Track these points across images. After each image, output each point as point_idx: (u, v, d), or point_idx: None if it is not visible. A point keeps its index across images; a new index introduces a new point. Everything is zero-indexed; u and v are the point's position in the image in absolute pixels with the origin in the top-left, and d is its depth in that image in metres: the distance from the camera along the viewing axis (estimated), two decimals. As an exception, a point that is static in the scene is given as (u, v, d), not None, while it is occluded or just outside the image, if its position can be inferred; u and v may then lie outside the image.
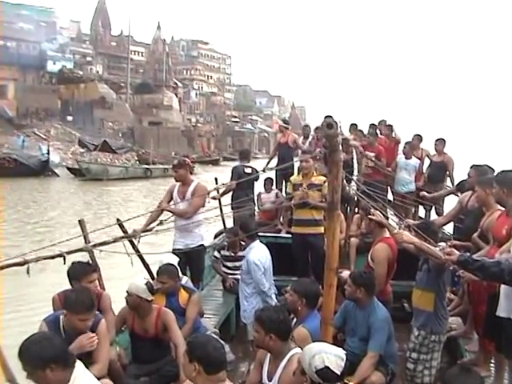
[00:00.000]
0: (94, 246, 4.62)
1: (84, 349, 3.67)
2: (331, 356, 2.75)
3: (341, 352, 2.82)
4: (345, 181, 6.70)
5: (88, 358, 3.62)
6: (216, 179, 9.09)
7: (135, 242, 5.48)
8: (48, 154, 34.83)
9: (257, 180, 9.18)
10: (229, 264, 7.16)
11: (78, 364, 2.91)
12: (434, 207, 9.45)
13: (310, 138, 10.69)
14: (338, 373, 2.73)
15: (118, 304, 4.68)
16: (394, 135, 10.75)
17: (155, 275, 5.25)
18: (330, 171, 3.23)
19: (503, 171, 4.40)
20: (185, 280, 5.54)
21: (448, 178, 9.82)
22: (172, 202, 6.39)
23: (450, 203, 7.59)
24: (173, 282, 4.96)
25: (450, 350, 5.41)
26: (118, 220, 5.46)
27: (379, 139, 10.25)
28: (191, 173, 6.74)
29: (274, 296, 5.77)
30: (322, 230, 6.46)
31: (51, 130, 49.86)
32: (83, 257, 4.70)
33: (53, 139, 46.03)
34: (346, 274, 4.64)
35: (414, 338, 4.47)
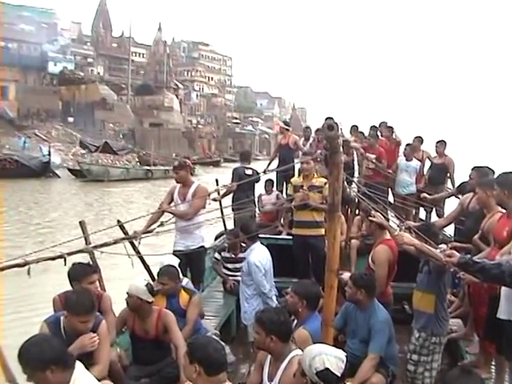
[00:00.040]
0: (95, 247, 4.62)
1: (85, 348, 3.67)
2: (331, 358, 2.75)
3: (341, 354, 2.82)
4: (345, 182, 6.70)
5: (88, 359, 3.62)
6: (217, 180, 9.09)
7: (136, 243, 5.47)
8: (49, 155, 34.85)
9: (258, 182, 9.19)
10: (229, 265, 7.16)
11: (78, 365, 2.91)
12: (434, 209, 9.45)
13: (311, 139, 10.68)
14: (339, 374, 2.73)
15: (118, 305, 4.69)
16: (394, 137, 10.76)
17: (156, 276, 5.26)
18: (330, 173, 3.23)
19: (504, 173, 4.40)
20: (185, 281, 5.55)
21: (449, 180, 9.82)
22: (173, 204, 6.39)
23: (451, 205, 7.59)
24: (173, 284, 4.96)
25: (450, 352, 5.41)
26: (118, 221, 5.46)
27: (380, 141, 10.26)
28: (192, 174, 6.75)
29: (274, 298, 5.77)
30: (322, 231, 6.47)
31: (52, 131, 49.90)
32: (84, 258, 4.70)
33: (54, 140, 46.04)
34: (346, 275, 4.64)
35: (414, 340, 4.47)
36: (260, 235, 6.26)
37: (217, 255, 7.28)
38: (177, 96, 72.71)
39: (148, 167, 39.53)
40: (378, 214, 5.12)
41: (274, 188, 9.75)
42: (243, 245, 6.62)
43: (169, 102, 67.99)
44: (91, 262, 4.81)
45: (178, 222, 6.25)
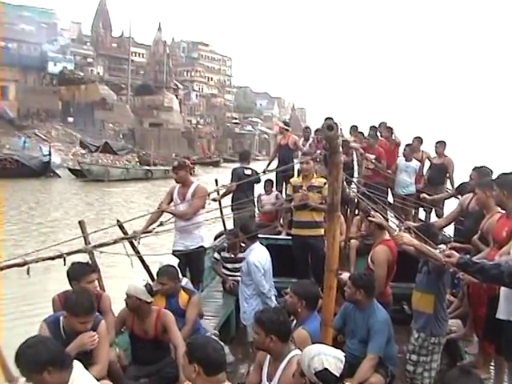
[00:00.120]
0: (94, 246, 4.62)
1: (85, 347, 3.68)
2: (330, 358, 2.75)
3: (340, 354, 2.82)
4: (345, 183, 6.71)
5: (88, 359, 3.63)
6: (216, 181, 9.09)
7: (135, 243, 5.48)
8: (49, 155, 34.87)
9: (258, 183, 9.20)
10: (229, 265, 7.16)
11: (77, 364, 2.91)
12: (434, 209, 9.45)
13: (311, 139, 10.68)
14: (337, 375, 2.73)
15: (117, 305, 4.69)
16: (394, 137, 10.76)
17: (155, 276, 5.26)
18: (330, 173, 3.23)
19: (503, 174, 4.40)
20: (185, 281, 5.55)
21: (448, 181, 9.82)
22: (172, 204, 6.39)
23: (450, 205, 7.60)
24: (173, 284, 4.96)
25: (449, 352, 5.41)
26: (117, 221, 5.46)
27: (379, 141, 10.26)
28: (191, 174, 6.75)
29: (273, 298, 5.77)
30: (322, 231, 6.46)
31: (52, 131, 49.91)
32: (83, 258, 4.70)
33: (53, 140, 46.04)
34: (345, 275, 4.64)
35: (413, 340, 4.47)
36: (259, 235, 6.26)
37: (216, 255, 7.28)
38: (176, 96, 72.73)
39: (148, 167, 39.55)
40: (378, 214, 5.13)
41: (274, 188, 9.75)
42: (243, 245, 6.61)
43: (168, 102, 68.00)
44: (90, 262, 4.81)
45: (177, 222, 6.26)
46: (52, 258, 3.95)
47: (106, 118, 56.54)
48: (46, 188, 30.03)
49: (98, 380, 3.30)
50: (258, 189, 9.48)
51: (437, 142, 9.98)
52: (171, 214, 6.26)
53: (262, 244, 6.06)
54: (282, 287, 5.46)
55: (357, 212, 8.30)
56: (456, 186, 7.99)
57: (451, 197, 8.03)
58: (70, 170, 37.19)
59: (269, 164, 11.00)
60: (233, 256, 7.12)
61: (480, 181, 5.39)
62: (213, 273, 7.62)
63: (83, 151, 44.23)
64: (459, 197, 6.67)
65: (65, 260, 4.03)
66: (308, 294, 4.15)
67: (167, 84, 72.09)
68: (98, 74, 70.23)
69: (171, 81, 74.22)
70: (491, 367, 4.71)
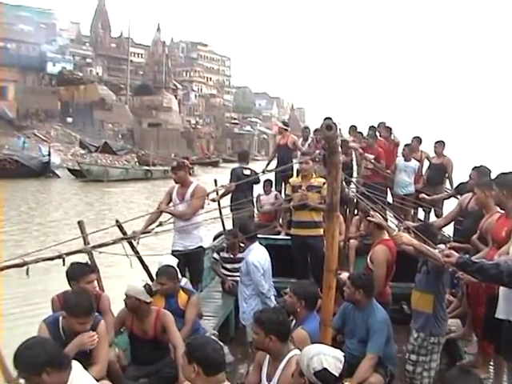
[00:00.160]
0: (94, 247, 4.62)
1: (84, 346, 3.68)
2: (329, 358, 2.75)
3: (339, 354, 2.82)
4: (344, 183, 6.71)
5: (87, 359, 3.63)
6: (215, 181, 9.09)
7: (134, 243, 5.48)
8: (49, 155, 34.88)
9: (258, 183, 9.20)
10: (228, 266, 7.16)
11: (76, 365, 2.91)
12: (433, 209, 9.45)
13: (310, 139, 10.69)
14: (337, 374, 2.73)
15: (117, 305, 4.68)
16: (393, 137, 10.77)
17: (154, 277, 5.26)
18: (329, 173, 3.23)
19: (503, 173, 4.40)
20: (184, 281, 5.55)
21: (447, 180, 9.83)
22: (171, 204, 6.39)
23: (450, 205, 7.60)
24: (172, 284, 4.96)
25: (449, 352, 5.41)
26: (117, 221, 5.46)
27: (378, 141, 10.27)
28: (190, 174, 6.75)
29: (273, 298, 5.77)
30: (321, 231, 6.46)
31: (51, 131, 49.90)
32: (83, 258, 4.70)
33: (53, 140, 46.06)
34: (345, 275, 4.64)
35: (413, 340, 4.47)
36: (258, 235, 6.26)
37: (215, 255, 7.28)
38: (175, 96, 72.71)
39: (147, 167, 39.54)
40: (377, 214, 5.13)
41: (273, 188, 9.74)
42: (242, 245, 6.61)
43: (167, 102, 68.00)
44: (90, 262, 4.80)
45: (176, 222, 6.25)
46: (51, 259, 3.95)
47: (105, 119, 56.53)
48: (46, 188, 30.05)
49: (98, 380, 3.30)
50: (257, 189, 9.48)
51: (436, 142, 9.98)
52: (170, 214, 6.26)
53: (261, 244, 6.06)
54: (282, 287, 5.46)
55: (356, 212, 8.29)
56: (455, 185, 7.99)
57: (450, 197, 8.03)
58: (69, 170, 37.19)
59: (268, 164, 10.99)
60: (232, 256, 7.12)
61: (479, 180, 5.39)
62: (212, 273, 7.62)
63: (82, 151, 44.29)
64: (458, 197, 6.67)
65: (64, 260, 4.03)
66: (307, 293, 4.15)
67: (166, 84, 72.08)
68: (97, 74, 70.18)
69: (170, 81, 74.23)
70: (490, 367, 4.71)
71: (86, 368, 3.15)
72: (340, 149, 3.14)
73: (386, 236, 5.07)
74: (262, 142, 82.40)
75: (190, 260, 6.32)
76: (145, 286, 4.39)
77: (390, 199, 9.91)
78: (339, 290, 4.12)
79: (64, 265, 4.10)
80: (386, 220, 5.95)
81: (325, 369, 2.71)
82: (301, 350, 3.06)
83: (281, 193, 9.81)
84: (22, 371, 2.79)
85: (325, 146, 3.28)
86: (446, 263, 3.60)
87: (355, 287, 4.33)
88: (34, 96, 51.93)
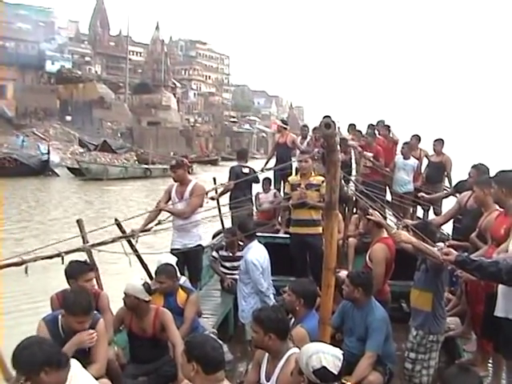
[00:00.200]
0: (92, 245, 4.63)
1: (83, 344, 3.68)
2: (328, 356, 2.75)
3: (338, 352, 2.82)
4: (343, 181, 6.70)
5: (86, 358, 3.63)
6: (214, 179, 9.09)
7: (133, 241, 5.48)
8: (48, 153, 34.85)
9: (257, 182, 9.20)
10: (227, 264, 7.16)
11: (75, 363, 2.91)
12: (432, 207, 9.46)
13: (308, 138, 10.68)
14: (336, 373, 2.73)
15: (116, 304, 4.68)
16: (391, 135, 10.77)
17: (153, 275, 5.26)
18: (328, 171, 3.22)
19: (502, 171, 4.39)
20: (183, 280, 5.55)
21: (446, 178, 9.83)
22: (170, 202, 6.39)
23: (448, 203, 7.60)
24: (171, 282, 4.96)
25: (448, 350, 5.41)
26: (115, 220, 5.46)
27: (377, 139, 10.26)
28: (189, 173, 6.75)
29: (272, 296, 5.77)
30: (320, 230, 6.46)
31: (50, 129, 49.84)
32: (82, 256, 4.70)
33: (52, 139, 45.95)
34: (343, 274, 4.65)
35: (412, 338, 4.48)
36: (257, 234, 6.26)
37: (214, 254, 7.27)
38: (174, 95, 72.65)
39: (146, 166, 39.52)
40: (376, 212, 5.12)
41: (272, 186, 9.75)
42: (241, 243, 6.61)
43: (166, 100, 67.96)
44: (88, 261, 4.80)
45: (175, 221, 6.25)
46: (50, 257, 3.96)
47: (104, 117, 56.48)
48: (45, 187, 30.05)
49: (97, 378, 3.30)
50: (256, 187, 9.48)
51: (435, 140, 9.98)
52: (169, 212, 6.26)
53: (260, 242, 6.07)
54: (280, 285, 5.45)
55: (355, 210, 8.28)
56: (454, 183, 7.99)
57: (449, 196, 8.03)
58: (68, 168, 37.18)
59: (267, 162, 10.98)
60: (231, 254, 7.12)
61: (478, 178, 5.39)
62: (211, 271, 7.61)
63: (81, 150, 44.27)
64: (457, 195, 6.67)
65: (63, 259, 4.04)
66: (306, 292, 4.15)
67: (165, 83, 72.02)
68: (96, 72, 70.10)
69: (169, 79, 74.15)
70: (489, 365, 4.71)
71: (85, 366, 3.16)
72: (339, 147, 3.15)
73: (385, 234, 5.07)
74: (261, 141, 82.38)
75: (189, 258, 6.32)
76: (144, 285, 4.39)
77: (388, 197, 9.91)
78: (338, 289, 4.12)
79: (63, 263, 4.10)
80: (385, 218, 5.94)
81: (324, 367, 2.71)
82: (300, 349, 3.06)
83: (280, 191, 9.81)
84: (20, 371, 2.79)
85: (324, 145, 3.28)
86: (444, 261, 3.60)
87: (354, 285, 4.33)
88: (32, 94, 51.89)
